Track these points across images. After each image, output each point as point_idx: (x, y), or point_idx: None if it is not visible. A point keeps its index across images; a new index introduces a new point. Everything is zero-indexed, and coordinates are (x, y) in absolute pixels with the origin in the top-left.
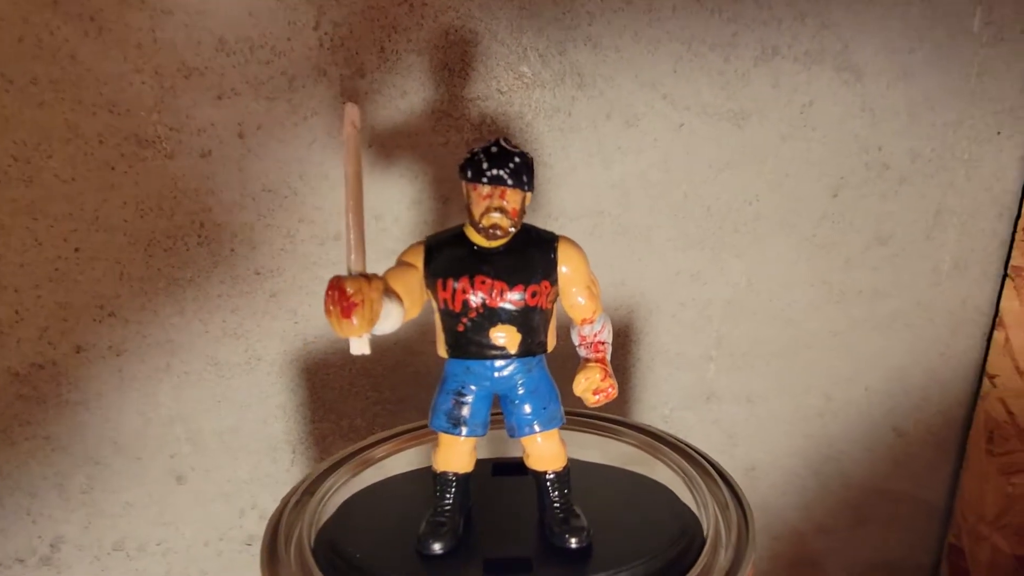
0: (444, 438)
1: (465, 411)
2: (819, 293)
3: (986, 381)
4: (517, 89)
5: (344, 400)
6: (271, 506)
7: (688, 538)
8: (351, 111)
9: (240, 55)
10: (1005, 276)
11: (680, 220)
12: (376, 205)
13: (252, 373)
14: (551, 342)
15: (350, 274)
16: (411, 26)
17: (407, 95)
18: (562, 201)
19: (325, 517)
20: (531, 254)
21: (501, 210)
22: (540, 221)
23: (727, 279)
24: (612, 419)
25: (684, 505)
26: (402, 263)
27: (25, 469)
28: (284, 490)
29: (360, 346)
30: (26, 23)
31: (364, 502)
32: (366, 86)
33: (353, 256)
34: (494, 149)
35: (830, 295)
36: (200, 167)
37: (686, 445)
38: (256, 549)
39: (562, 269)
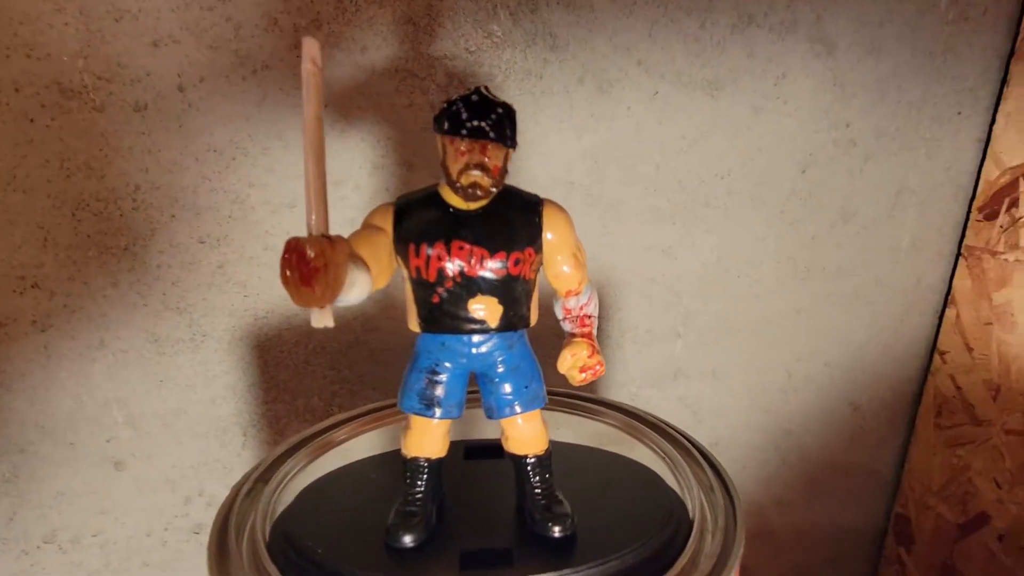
0: (416, 420)
1: (439, 391)
2: (785, 269)
3: (936, 357)
4: (486, 49)
5: (299, 379)
6: (221, 493)
7: (675, 524)
8: (310, 46)
9: None
10: (959, 255)
11: (651, 193)
12: (335, 171)
13: (198, 351)
14: (534, 316)
15: (310, 235)
16: None
17: (367, 51)
18: (532, 170)
19: (281, 507)
20: (514, 218)
21: (482, 167)
22: None
23: (697, 255)
24: (589, 398)
25: (668, 488)
26: (369, 226)
27: None
28: (235, 476)
29: (322, 318)
30: None
31: (325, 490)
32: (322, 39)
33: (314, 214)
34: (475, 98)
35: (795, 272)
36: (134, 122)
37: (667, 425)
38: (205, 537)
39: (547, 235)
